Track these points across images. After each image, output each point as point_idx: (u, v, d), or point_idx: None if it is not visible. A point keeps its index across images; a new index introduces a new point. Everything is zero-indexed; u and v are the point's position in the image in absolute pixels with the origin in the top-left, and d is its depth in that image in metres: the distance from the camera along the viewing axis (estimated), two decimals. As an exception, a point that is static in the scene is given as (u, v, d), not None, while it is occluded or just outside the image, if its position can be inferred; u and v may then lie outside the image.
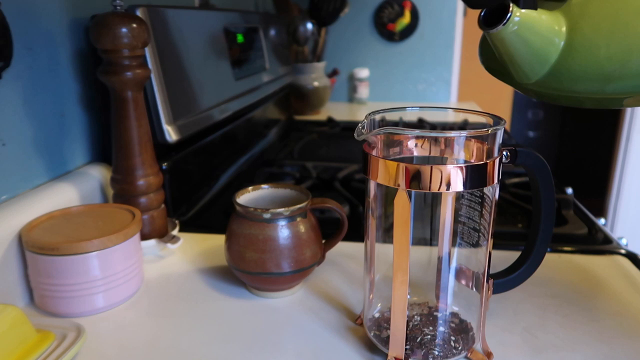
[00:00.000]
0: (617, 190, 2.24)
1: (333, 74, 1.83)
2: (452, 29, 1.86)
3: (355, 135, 0.41)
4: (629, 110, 2.16)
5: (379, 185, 0.41)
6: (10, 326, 0.41)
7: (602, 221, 0.75)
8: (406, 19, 1.84)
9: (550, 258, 0.62)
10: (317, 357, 0.45)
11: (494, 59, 0.46)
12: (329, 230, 0.57)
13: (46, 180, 0.62)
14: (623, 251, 0.64)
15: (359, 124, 0.41)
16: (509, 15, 0.38)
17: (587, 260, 0.62)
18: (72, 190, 0.61)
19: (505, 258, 0.52)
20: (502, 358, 0.44)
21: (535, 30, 0.40)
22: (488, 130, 0.38)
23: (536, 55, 0.41)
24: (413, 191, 0.38)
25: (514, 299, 0.53)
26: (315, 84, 1.60)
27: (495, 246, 0.62)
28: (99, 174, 0.67)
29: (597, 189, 2.51)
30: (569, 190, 0.84)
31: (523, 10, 0.38)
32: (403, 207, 0.38)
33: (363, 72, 1.85)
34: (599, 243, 0.67)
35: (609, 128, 2.51)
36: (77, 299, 0.51)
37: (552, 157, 3.18)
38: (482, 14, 0.41)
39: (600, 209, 2.34)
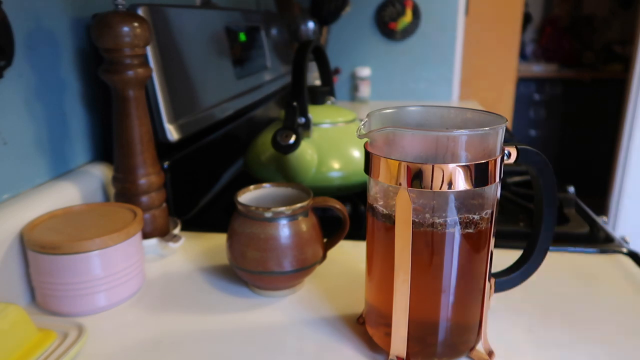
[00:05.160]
0: (618, 188, 2.24)
1: (334, 72, 1.83)
2: (454, 27, 1.86)
3: (356, 134, 0.41)
4: (630, 109, 2.15)
5: (380, 183, 0.41)
6: (11, 325, 0.42)
7: (603, 220, 0.75)
8: (408, 17, 1.84)
9: (552, 257, 0.62)
10: (318, 356, 0.45)
11: (261, 166, 0.77)
12: (330, 229, 0.57)
13: (48, 179, 0.62)
14: (625, 250, 0.64)
15: (360, 123, 0.41)
16: (298, 145, 0.68)
17: (589, 259, 0.62)
18: (73, 189, 0.61)
19: (507, 257, 0.51)
20: (504, 357, 0.44)
21: (305, 151, 0.71)
22: (489, 129, 0.38)
23: (304, 165, 0.72)
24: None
25: (516, 298, 0.53)
26: (317, 82, 1.60)
27: (497, 245, 0.62)
28: (100, 173, 0.67)
29: (598, 187, 2.51)
30: (571, 189, 0.84)
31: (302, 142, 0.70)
32: (404, 206, 0.38)
33: (364, 71, 1.85)
34: (601, 242, 0.67)
35: (610, 127, 2.51)
36: (79, 298, 0.51)
37: (554, 155, 3.18)
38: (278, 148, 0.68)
39: (602, 208, 2.33)
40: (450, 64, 1.88)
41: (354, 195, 0.79)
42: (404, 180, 0.38)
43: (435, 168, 0.37)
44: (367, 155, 0.41)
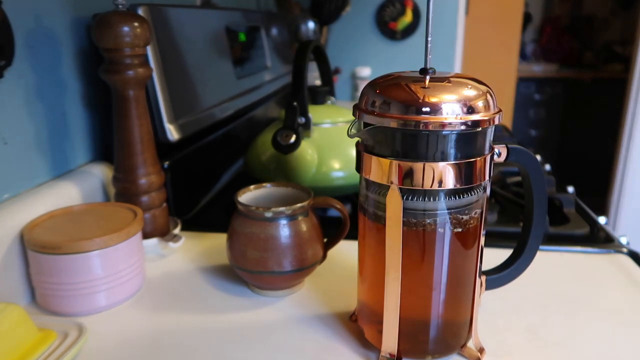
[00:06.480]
0: (618, 188, 2.24)
1: (335, 72, 1.83)
2: (454, 27, 1.86)
3: (347, 133, 0.41)
4: (630, 109, 2.15)
5: (372, 182, 0.41)
6: (11, 325, 0.42)
7: (603, 220, 0.75)
8: (408, 17, 1.84)
9: (552, 257, 0.62)
10: (316, 355, 0.45)
11: (261, 166, 0.78)
12: (330, 229, 0.57)
13: (48, 179, 0.62)
14: (625, 250, 0.64)
15: (351, 122, 0.41)
16: (298, 145, 0.70)
17: (589, 259, 0.62)
18: (73, 189, 0.61)
19: (506, 257, 0.51)
20: (504, 357, 0.44)
21: (305, 151, 0.73)
22: (476, 128, 0.38)
23: (304, 165, 0.73)
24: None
25: (516, 298, 0.53)
26: (317, 82, 1.60)
27: (497, 245, 0.62)
28: (100, 173, 0.67)
29: (598, 187, 2.51)
30: (571, 189, 0.84)
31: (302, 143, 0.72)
32: (395, 204, 0.38)
33: (365, 71, 1.85)
34: (601, 242, 0.67)
35: (611, 126, 2.51)
36: (79, 297, 0.51)
37: (554, 155, 3.18)
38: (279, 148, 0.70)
39: (602, 208, 2.33)
40: (450, 64, 1.88)
41: (354, 195, 0.79)
42: (395, 178, 0.38)
43: (426, 166, 0.37)
44: (358, 154, 0.41)
